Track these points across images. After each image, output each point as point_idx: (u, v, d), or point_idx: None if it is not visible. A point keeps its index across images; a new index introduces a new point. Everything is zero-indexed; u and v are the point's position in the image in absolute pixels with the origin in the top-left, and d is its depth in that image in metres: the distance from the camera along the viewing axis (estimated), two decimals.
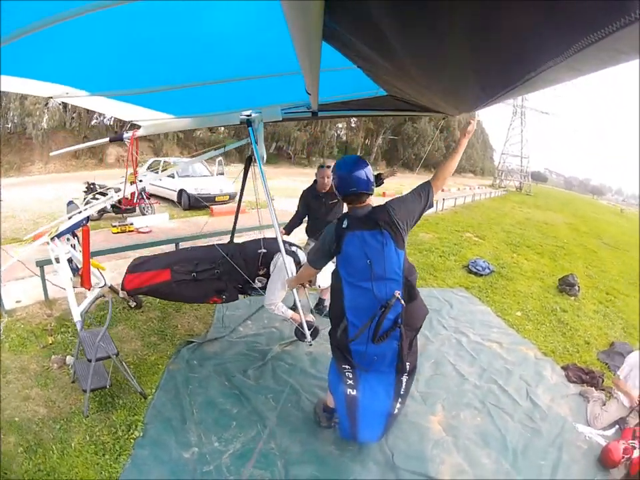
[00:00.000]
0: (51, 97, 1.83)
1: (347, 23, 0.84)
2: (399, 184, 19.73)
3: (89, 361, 2.67)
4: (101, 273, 3.63)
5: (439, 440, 2.77)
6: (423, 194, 2.23)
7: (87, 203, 8.33)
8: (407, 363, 2.28)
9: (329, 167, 3.77)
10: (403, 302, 2.09)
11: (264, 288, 3.25)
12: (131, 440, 2.57)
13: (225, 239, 4.21)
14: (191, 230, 7.99)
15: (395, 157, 34.56)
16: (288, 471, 2.41)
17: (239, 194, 3.57)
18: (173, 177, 10.66)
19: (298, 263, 3.20)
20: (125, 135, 2.90)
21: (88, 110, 18.04)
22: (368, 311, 2.13)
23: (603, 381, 3.82)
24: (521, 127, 45.95)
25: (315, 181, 3.95)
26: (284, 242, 3.41)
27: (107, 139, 3.19)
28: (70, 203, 3.28)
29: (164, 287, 3.16)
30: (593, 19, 0.44)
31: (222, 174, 11.70)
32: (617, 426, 3.20)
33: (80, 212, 3.16)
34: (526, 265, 8.21)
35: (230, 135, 22.95)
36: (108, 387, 2.80)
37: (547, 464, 2.68)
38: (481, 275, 6.80)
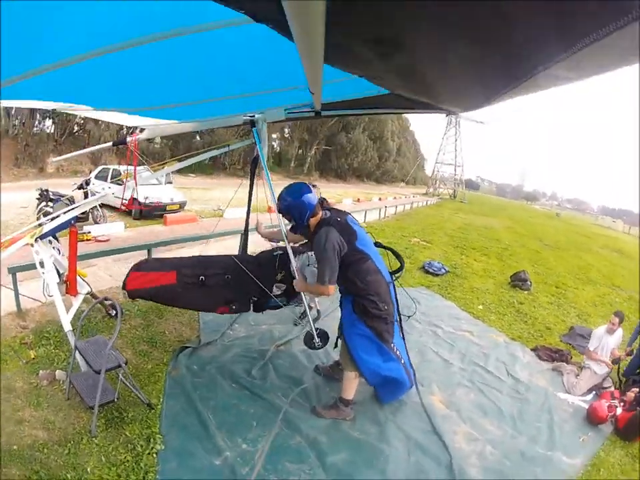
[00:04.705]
0: (54, 109, 1.94)
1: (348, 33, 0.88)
2: (335, 193, 21.22)
3: (97, 372, 2.56)
4: (83, 279, 3.60)
5: (445, 415, 3.24)
6: None
7: (39, 211, 7.76)
8: None
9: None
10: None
11: (283, 295, 3.35)
12: (154, 455, 2.51)
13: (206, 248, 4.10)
14: (147, 239, 7.65)
15: (328, 167, 34.53)
16: (323, 460, 2.61)
17: (247, 196, 3.51)
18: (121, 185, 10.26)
19: None
20: (128, 139, 3.00)
21: (32, 116, 16.75)
22: (385, 269, 2.89)
23: (571, 357, 4.59)
24: (455, 136, 50.29)
25: None
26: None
27: (110, 144, 3.22)
28: (57, 200, 3.19)
29: (168, 290, 3.06)
30: (594, 17, 0.47)
31: (170, 182, 11.55)
32: (594, 392, 3.90)
33: (66, 211, 3.10)
34: (476, 265, 9.23)
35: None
36: (116, 400, 2.69)
37: (542, 425, 3.30)
38: (438, 275, 7.56)
